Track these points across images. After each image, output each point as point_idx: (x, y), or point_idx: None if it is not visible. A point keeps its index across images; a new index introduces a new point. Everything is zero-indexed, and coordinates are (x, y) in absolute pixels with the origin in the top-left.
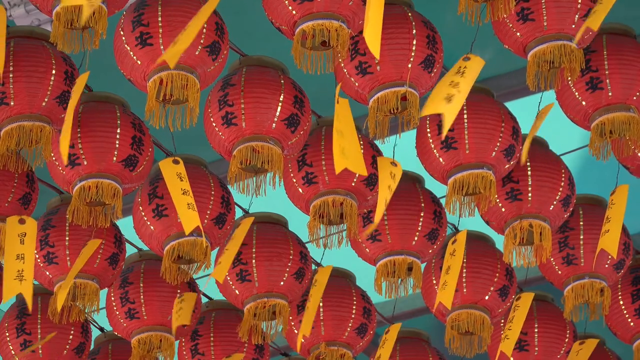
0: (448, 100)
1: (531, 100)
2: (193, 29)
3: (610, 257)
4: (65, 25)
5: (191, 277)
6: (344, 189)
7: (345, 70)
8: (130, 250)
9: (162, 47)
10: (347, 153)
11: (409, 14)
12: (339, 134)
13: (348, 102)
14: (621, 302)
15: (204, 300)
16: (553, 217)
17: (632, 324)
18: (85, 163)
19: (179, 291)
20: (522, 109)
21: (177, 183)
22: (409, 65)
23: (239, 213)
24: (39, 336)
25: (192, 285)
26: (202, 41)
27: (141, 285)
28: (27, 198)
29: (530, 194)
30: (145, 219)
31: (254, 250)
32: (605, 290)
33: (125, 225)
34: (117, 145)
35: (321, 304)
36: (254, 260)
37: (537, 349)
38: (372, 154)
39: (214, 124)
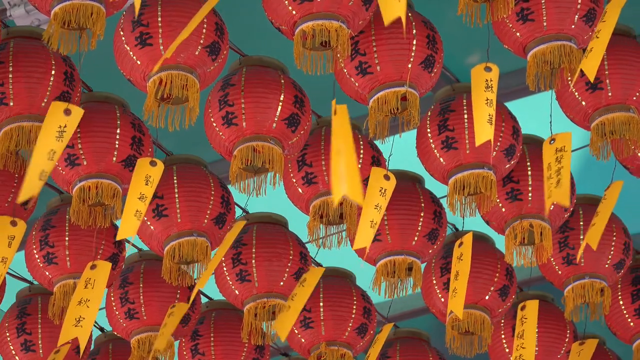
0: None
1: (531, 100)
2: (191, 27)
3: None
4: (62, 26)
5: (194, 281)
6: None
7: (345, 71)
8: (130, 250)
9: (161, 47)
10: (346, 177)
11: (409, 14)
12: (337, 154)
13: (347, 110)
14: (621, 302)
15: (204, 300)
16: (553, 217)
17: (632, 324)
18: (85, 163)
19: (178, 292)
20: (522, 109)
21: (141, 185)
22: (409, 65)
23: (238, 213)
24: (40, 336)
25: (192, 286)
26: (201, 41)
27: (141, 285)
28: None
29: (530, 194)
30: (145, 219)
31: (253, 250)
32: (605, 290)
33: None
34: (117, 146)
35: (321, 304)
36: (253, 261)
37: (537, 349)
38: (372, 155)
39: (214, 124)
